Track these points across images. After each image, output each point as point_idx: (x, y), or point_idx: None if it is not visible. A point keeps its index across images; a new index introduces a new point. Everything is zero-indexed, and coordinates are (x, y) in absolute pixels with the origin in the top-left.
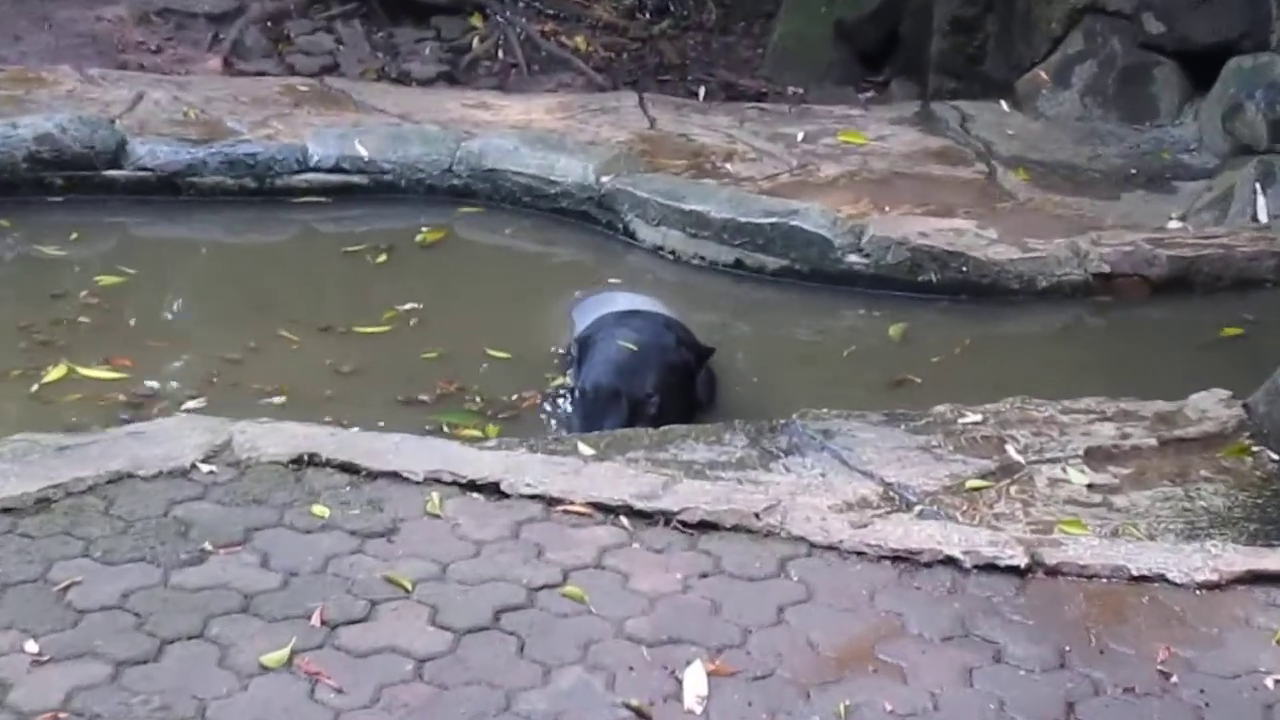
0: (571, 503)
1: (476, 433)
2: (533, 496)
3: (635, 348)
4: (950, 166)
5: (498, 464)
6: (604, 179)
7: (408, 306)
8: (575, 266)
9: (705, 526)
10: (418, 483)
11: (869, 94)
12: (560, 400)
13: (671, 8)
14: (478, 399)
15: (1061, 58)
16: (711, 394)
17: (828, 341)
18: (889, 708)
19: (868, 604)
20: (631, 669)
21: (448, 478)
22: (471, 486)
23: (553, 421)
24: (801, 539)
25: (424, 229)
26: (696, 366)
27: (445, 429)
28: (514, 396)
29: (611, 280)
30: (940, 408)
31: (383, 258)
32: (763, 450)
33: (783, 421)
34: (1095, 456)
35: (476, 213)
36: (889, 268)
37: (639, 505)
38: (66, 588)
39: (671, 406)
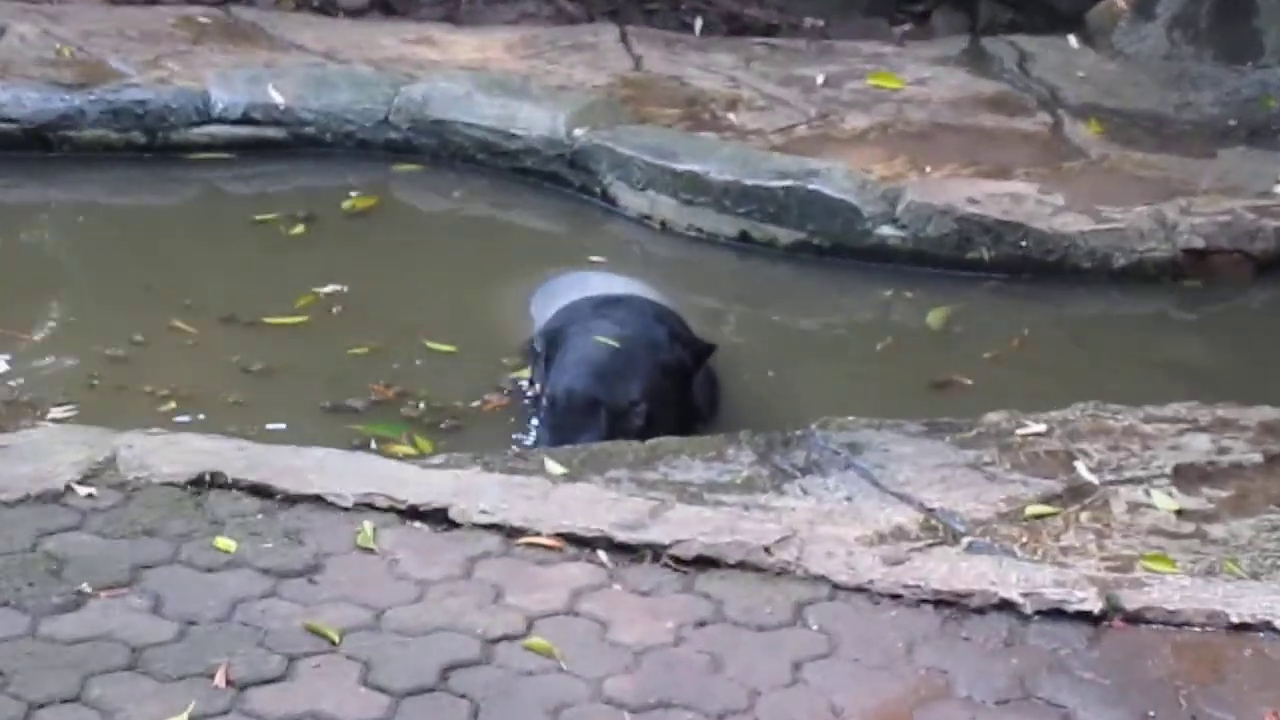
0: (537, 534)
1: (413, 449)
2: (489, 526)
3: (617, 344)
4: (1006, 117)
5: (446, 486)
6: (577, 132)
7: (331, 290)
8: (541, 240)
9: (703, 563)
10: (346, 509)
11: (905, 27)
12: (525, 405)
13: None
14: (420, 405)
15: None
16: (712, 400)
17: (854, 333)
18: None
19: (904, 659)
20: None
21: (383, 503)
22: (413, 514)
23: (515, 435)
24: (823, 578)
25: (353, 193)
26: (693, 367)
27: (374, 444)
28: (476, 402)
29: (587, 259)
30: (994, 415)
31: (300, 229)
32: (775, 468)
33: (799, 433)
34: (1186, 476)
35: (418, 173)
36: (930, 242)
37: (621, 537)
38: None
39: (662, 417)
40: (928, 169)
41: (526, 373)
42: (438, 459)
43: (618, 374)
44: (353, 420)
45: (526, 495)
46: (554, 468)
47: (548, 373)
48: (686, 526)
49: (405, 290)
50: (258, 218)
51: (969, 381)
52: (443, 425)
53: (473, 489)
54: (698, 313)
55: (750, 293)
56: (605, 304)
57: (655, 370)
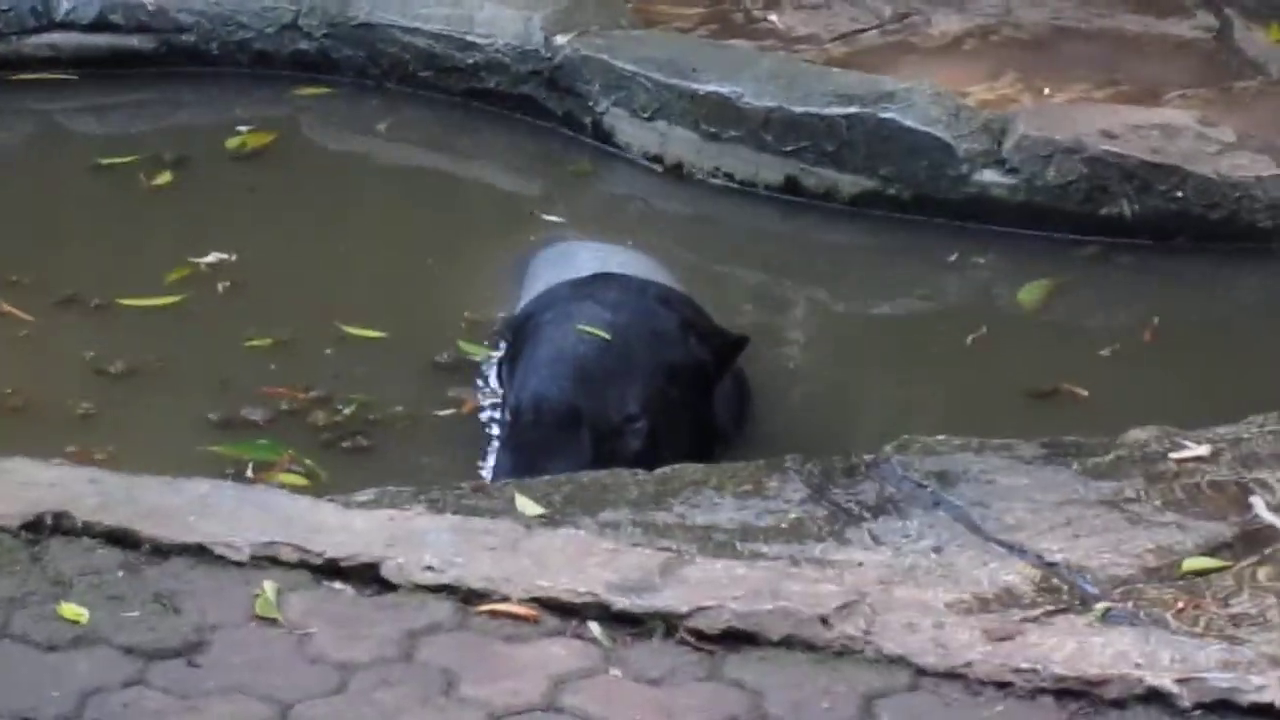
0: (504, 599)
1: (305, 478)
2: (438, 588)
3: (606, 336)
4: (1155, 18)
5: (377, 532)
6: (559, 40)
7: (214, 260)
8: (505, 193)
9: (735, 639)
10: (240, 564)
11: None
12: (485, 420)
13: None
14: (344, 410)
15: None
16: (742, 413)
17: (939, 320)
18: None
19: None
20: None
21: (291, 555)
22: (332, 571)
23: (479, 458)
24: (901, 660)
25: (243, 128)
26: (717, 369)
27: (250, 473)
28: (448, 410)
29: (568, 222)
30: (1139, 433)
31: (166, 177)
32: (833, 507)
33: (868, 458)
34: None
35: (333, 98)
36: (1050, 192)
37: (621, 603)
38: None
39: (671, 437)
40: (1046, 90)
41: (485, 355)
42: (367, 494)
43: (607, 377)
44: (253, 436)
45: (489, 545)
46: (528, 507)
47: (512, 375)
48: (712, 588)
49: (315, 259)
50: (107, 160)
51: (1083, 391)
52: (365, 443)
53: (415, 537)
54: (724, 292)
55: (798, 264)
56: (593, 282)
57: (661, 372)
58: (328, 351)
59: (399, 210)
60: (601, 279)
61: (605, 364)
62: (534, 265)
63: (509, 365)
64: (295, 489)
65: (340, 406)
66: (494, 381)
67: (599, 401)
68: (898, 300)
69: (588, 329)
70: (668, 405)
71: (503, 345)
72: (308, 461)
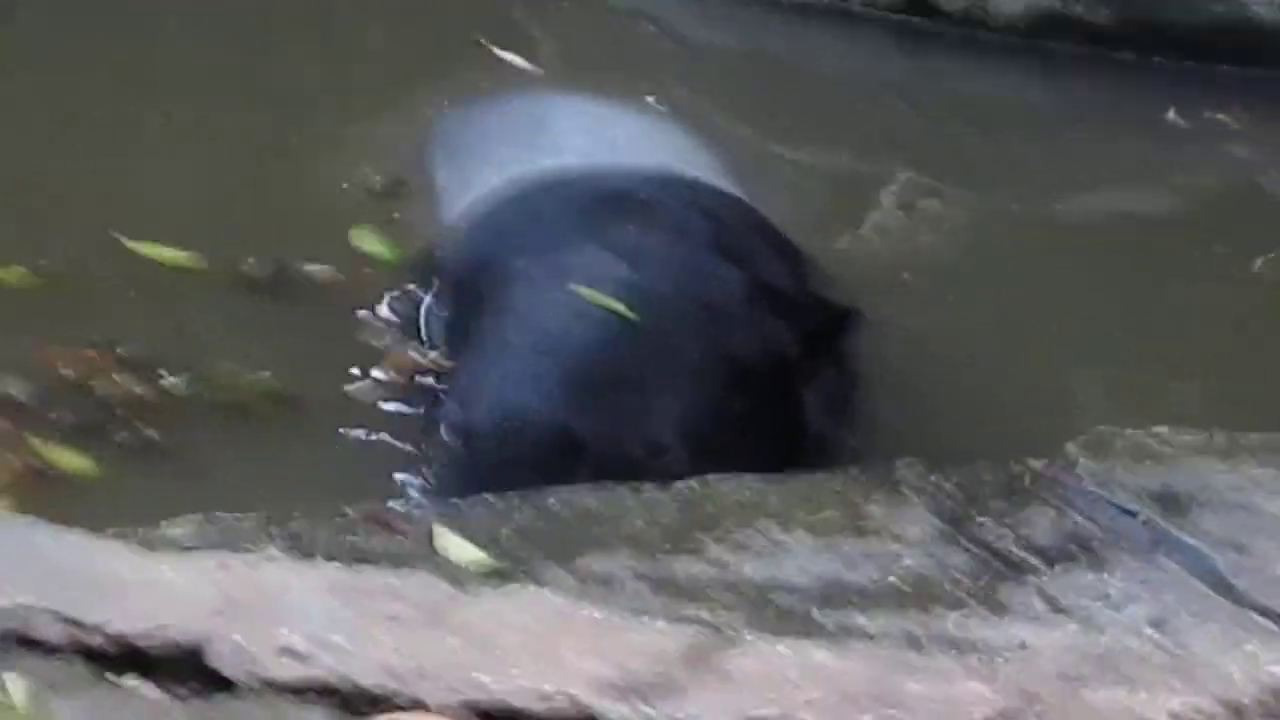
0: (416, 706)
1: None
2: (303, 689)
3: (627, 311)
4: None
5: (203, 591)
6: None
7: None
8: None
9: None
10: None
11: None
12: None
13: None
14: (165, 382)
15: None
16: (844, 407)
17: (1165, 225)
18: None
19: None
20: None
21: (56, 631)
22: (127, 657)
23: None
24: None
25: None
26: (812, 358)
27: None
28: (346, 373)
29: (536, 62)
30: None
31: None
32: (980, 549)
33: (1038, 465)
34: None
35: None
36: None
37: (618, 716)
38: None
39: (731, 457)
40: None
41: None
42: (185, 526)
43: (625, 382)
44: (23, 425)
45: (392, 615)
46: (460, 551)
47: (456, 354)
48: (773, 690)
49: (101, 140)
50: None
51: None
52: (181, 439)
53: (266, 600)
54: (795, 191)
55: (922, 137)
56: (598, 204)
57: (715, 373)
58: (131, 294)
59: (240, 48)
60: (615, 198)
61: (622, 360)
62: (476, 144)
63: (447, 330)
64: (59, 518)
65: (160, 375)
66: (424, 332)
67: (609, 422)
68: (1090, 194)
69: (592, 296)
70: (723, 424)
71: (434, 289)
72: (85, 463)
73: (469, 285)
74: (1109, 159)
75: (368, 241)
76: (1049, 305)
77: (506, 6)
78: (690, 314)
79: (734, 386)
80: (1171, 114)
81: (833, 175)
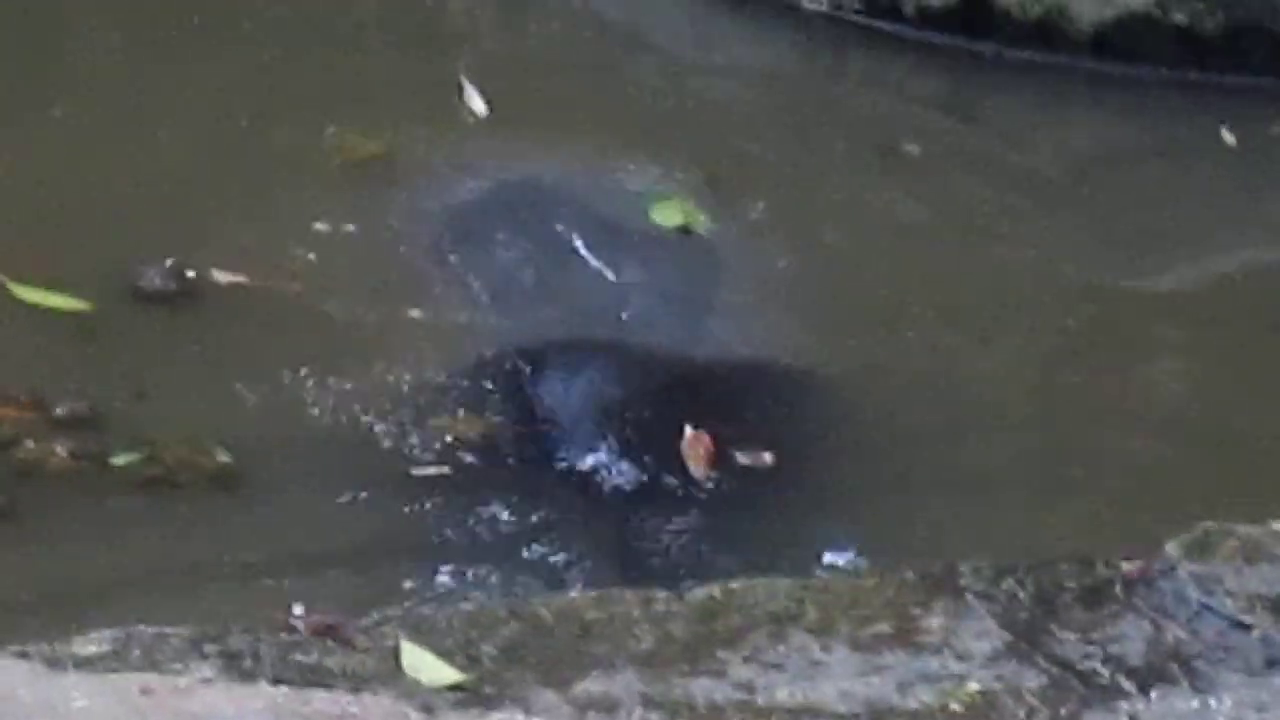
0: None
1: None
2: None
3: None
4: None
5: None
6: None
7: None
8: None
9: None
10: None
11: None
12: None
13: None
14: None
15: None
16: None
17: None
18: None
19: None
20: None
21: None
22: None
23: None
24: None
25: None
26: None
27: None
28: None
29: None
30: None
31: None
32: (1058, 668)
33: (1129, 567)
34: None
35: None
36: None
37: None
38: None
39: None
40: None
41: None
42: (96, 642)
43: None
44: None
45: None
46: (430, 670)
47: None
48: None
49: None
50: None
51: None
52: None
53: None
54: (818, 239)
55: (981, 170)
56: None
57: None
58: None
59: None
60: None
61: None
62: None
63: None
64: None
65: (117, 455)
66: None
67: None
68: (1188, 257)
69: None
70: None
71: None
72: None
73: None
74: (1205, 208)
75: None
76: (1141, 374)
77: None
78: None
79: None
80: None
81: (857, 217)
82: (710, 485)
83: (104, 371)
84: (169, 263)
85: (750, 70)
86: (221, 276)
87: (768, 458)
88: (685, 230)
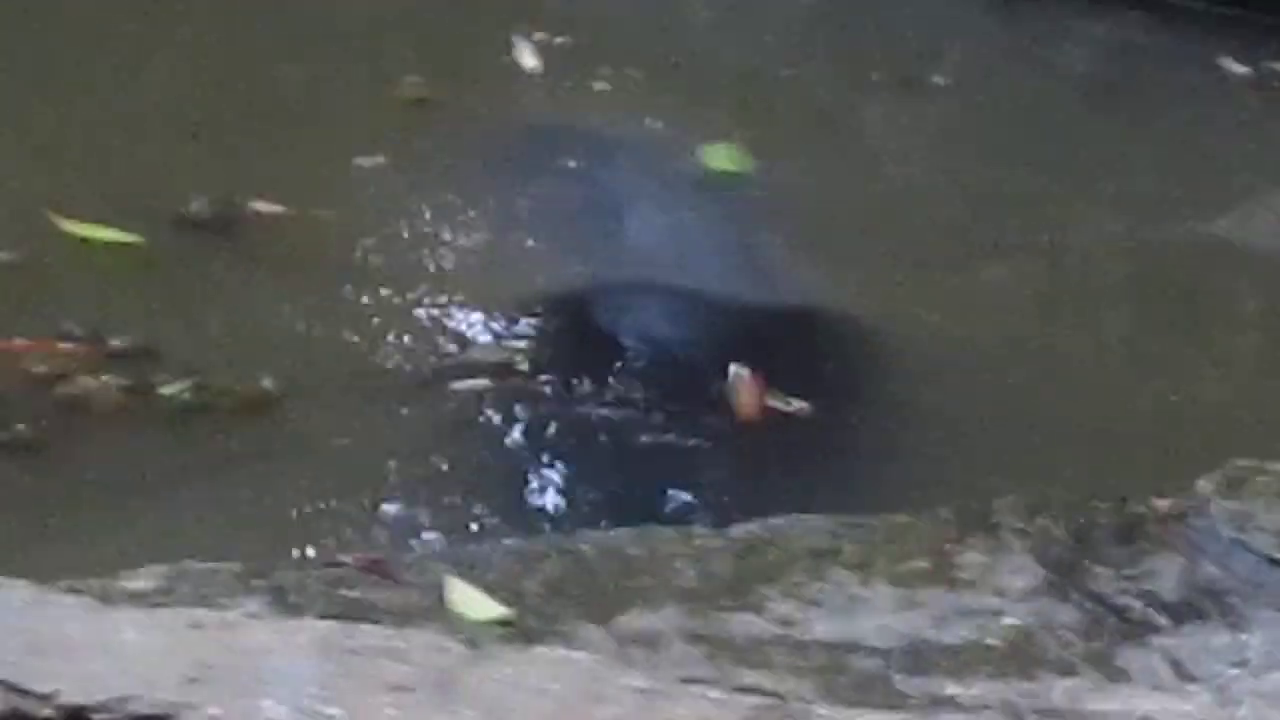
0: None
1: None
2: None
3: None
4: None
5: (168, 655)
6: None
7: None
8: None
9: None
10: None
11: None
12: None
13: None
14: (166, 392)
15: None
16: None
17: None
18: None
19: None
20: None
21: None
22: None
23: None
24: None
25: None
26: None
27: None
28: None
29: None
30: None
31: None
32: (1094, 604)
33: (1164, 505)
34: None
35: None
36: None
37: None
38: None
39: None
40: None
41: None
42: (146, 578)
43: None
44: None
45: (393, 684)
46: (475, 606)
47: None
48: None
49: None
50: None
51: None
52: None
53: (243, 665)
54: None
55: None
56: None
57: None
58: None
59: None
60: None
61: None
62: None
63: None
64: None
65: (165, 385)
66: None
67: None
68: None
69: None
70: None
71: None
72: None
73: None
74: None
75: None
76: (1176, 313)
77: None
78: None
79: None
80: None
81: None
82: (753, 425)
83: (156, 305)
84: (215, 196)
85: (803, 8)
86: (267, 208)
87: (804, 403)
88: (734, 175)
